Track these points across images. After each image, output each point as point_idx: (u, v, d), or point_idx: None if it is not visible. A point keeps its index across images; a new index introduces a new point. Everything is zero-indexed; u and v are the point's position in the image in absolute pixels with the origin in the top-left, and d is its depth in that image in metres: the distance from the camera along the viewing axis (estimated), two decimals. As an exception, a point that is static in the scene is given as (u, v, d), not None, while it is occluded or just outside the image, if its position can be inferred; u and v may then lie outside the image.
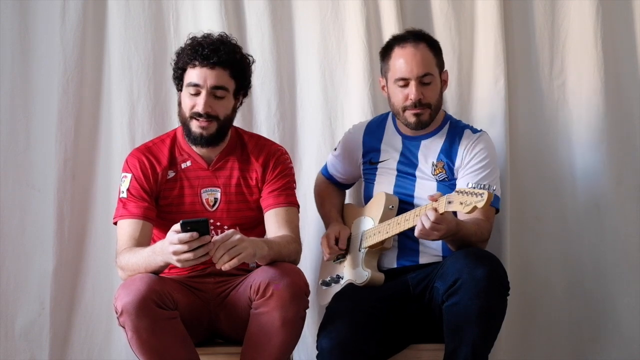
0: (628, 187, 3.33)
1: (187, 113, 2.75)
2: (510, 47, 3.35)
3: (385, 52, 2.94)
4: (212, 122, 2.73)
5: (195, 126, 2.74)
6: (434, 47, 2.92)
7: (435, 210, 2.60)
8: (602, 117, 3.31)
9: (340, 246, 2.92)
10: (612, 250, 3.32)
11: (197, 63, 2.73)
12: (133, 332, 2.49)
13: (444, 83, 2.94)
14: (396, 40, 2.92)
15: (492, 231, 2.88)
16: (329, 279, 2.94)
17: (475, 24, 3.36)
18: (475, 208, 2.50)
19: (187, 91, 2.75)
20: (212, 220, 2.76)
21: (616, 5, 3.34)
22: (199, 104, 2.72)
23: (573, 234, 3.35)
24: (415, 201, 2.90)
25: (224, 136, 2.79)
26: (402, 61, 2.86)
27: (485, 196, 2.48)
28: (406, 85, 2.86)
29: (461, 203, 2.53)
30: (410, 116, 2.88)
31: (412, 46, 2.87)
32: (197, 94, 2.73)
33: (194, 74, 2.73)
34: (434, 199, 2.62)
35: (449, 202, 2.57)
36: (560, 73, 3.36)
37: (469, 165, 2.88)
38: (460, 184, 2.85)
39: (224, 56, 2.72)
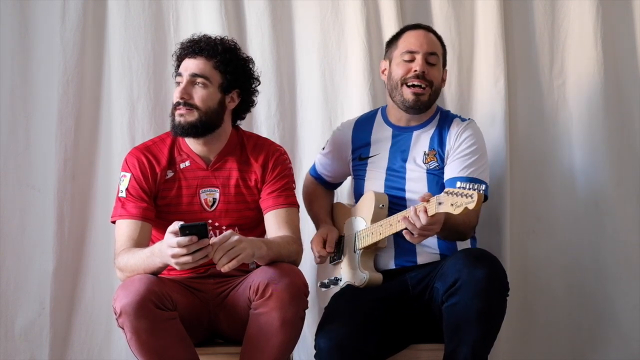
0: (628, 186, 3.33)
1: (173, 105, 2.77)
2: (510, 47, 3.35)
3: (394, 37, 2.97)
4: (191, 111, 2.73)
5: (176, 115, 2.75)
6: (442, 42, 2.97)
7: (426, 211, 2.59)
8: (602, 117, 3.31)
9: (327, 250, 2.92)
10: (612, 250, 3.32)
11: (182, 56, 2.78)
12: (132, 333, 2.49)
13: (442, 81, 2.95)
14: (406, 27, 2.99)
15: (489, 229, 2.88)
16: (327, 281, 2.94)
17: (475, 24, 3.36)
18: (466, 209, 2.49)
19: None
20: (210, 221, 2.77)
21: (616, 5, 3.34)
22: (177, 91, 2.74)
23: (573, 234, 3.34)
24: (407, 195, 2.89)
25: (208, 129, 2.76)
26: (413, 38, 2.90)
27: (475, 197, 2.46)
28: (412, 60, 2.87)
29: (452, 204, 2.51)
30: (408, 93, 2.87)
31: (423, 30, 2.94)
32: (180, 83, 2.76)
33: (180, 67, 2.78)
34: (424, 199, 2.60)
35: (440, 203, 2.54)
36: (560, 73, 3.36)
37: (458, 150, 2.87)
38: (449, 170, 2.86)
39: (204, 46, 2.75)
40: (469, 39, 3.36)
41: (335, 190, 3.20)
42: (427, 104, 2.89)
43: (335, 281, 2.91)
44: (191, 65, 2.75)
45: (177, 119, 2.74)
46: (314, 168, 3.15)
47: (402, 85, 2.88)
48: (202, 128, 2.75)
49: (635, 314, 3.30)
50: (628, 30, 3.35)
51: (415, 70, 2.86)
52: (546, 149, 3.37)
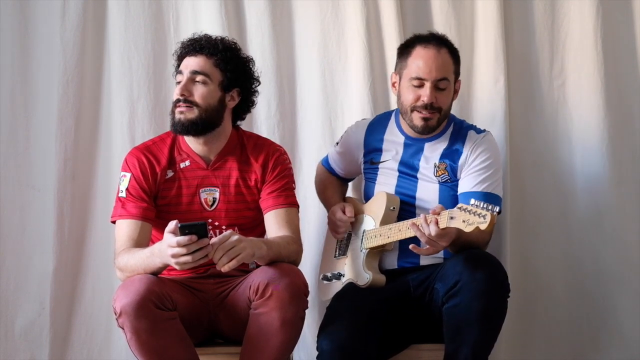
0: (628, 186, 3.33)
1: (173, 102, 2.77)
2: (510, 47, 3.35)
3: (405, 49, 2.89)
4: (191, 108, 2.73)
5: (176, 112, 2.75)
6: (455, 55, 2.89)
7: (437, 223, 2.58)
8: (602, 117, 3.31)
9: (348, 215, 2.91)
10: (612, 249, 3.32)
11: (183, 54, 2.79)
12: (132, 333, 2.49)
13: (455, 92, 2.91)
14: (419, 40, 2.87)
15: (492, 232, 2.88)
16: (330, 274, 2.94)
17: (475, 24, 3.36)
18: (477, 229, 2.48)
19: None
20: (210, 220, 2.77)
21: (616, 5, 3.34)
22: (178, 89, 2.74)
23: (573, 234, 3.34)
24: (417, 202, 2.88)
25: (208, 127, 2.76)
26: (422, 61, 2.81)
27: (489, 218, 2.46)
28: (421, 86, 2.82)
29: (464, 221, 2.50)
30: (417, 119, 2.85)
31: (434, 48, 2.83)
32: (181, 81, 2.76)
33: (180, 65, 2.79)
34: (435, 212, 2.59)
35: (451, 218, 2.54)
36: (560, 73, 3.36)
37: (472, 166, 2.86)
38: (463, 184, 2.85)
39: (205, 44, 2.76)
40: (469, 39, 3.36)
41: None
42: (435, 126, 2.87)
43: (338, 276, 2.91)
44: (192, 62, 2.75)
45: (177, 116, 2.74)
46: (326, 160, 3.14)
47: (411, 111, 2.86)
48: (202, 126, 2.75)
49: (635, 314, 3.30)
50: (628, 30, 3.35)
51: (423, 101, 2.82)
52: (546, 149, 3.37)
